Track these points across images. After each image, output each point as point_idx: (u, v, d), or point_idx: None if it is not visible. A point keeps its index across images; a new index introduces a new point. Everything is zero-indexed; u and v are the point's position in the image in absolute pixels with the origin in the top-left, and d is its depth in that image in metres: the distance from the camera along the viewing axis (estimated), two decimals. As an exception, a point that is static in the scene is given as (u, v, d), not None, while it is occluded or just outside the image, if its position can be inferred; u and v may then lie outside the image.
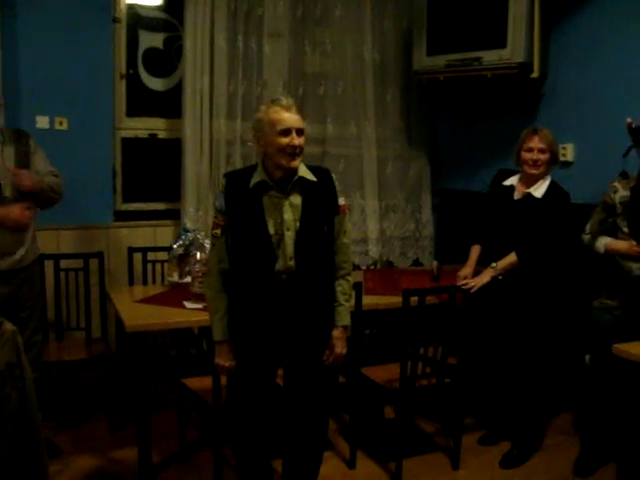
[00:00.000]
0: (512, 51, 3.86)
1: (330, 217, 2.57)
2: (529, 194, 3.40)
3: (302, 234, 2.50)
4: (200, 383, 3.15)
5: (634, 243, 3.11)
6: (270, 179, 2.49)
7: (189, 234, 3.69)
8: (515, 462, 3.45)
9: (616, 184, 3.28)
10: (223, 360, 2.61)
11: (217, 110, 4.30)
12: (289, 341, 2.58)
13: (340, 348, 2.66)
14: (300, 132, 2.46)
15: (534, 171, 3.38)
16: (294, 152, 2.43)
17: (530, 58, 3.91)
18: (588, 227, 3.35)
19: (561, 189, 3.38)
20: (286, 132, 2.41)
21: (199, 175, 4.28)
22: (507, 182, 3.54)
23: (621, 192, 3.24)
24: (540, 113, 4.14)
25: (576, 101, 3.94)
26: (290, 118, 2.43)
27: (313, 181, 2.54)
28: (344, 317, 2.67)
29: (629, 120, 3.27)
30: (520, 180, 3.49)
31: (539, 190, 3.38)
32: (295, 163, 2.46)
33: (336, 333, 2.66)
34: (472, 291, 3.35)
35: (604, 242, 3.25)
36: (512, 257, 3.37)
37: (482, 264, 3.53)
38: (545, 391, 3.51)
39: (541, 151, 3.37)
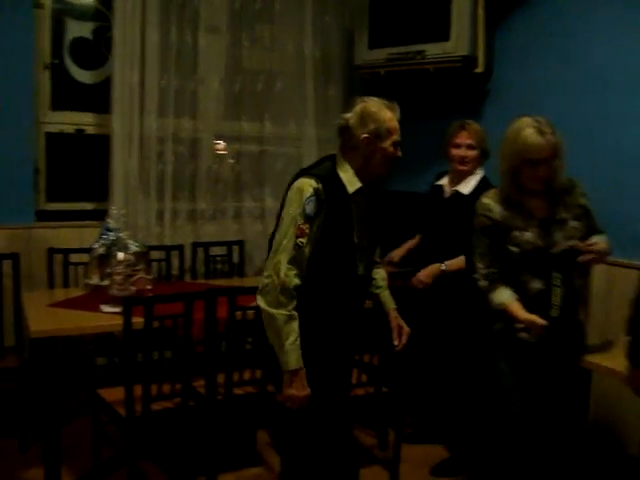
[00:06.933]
0: (456, 44, 3.73)
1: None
2: (457, 192, 3.26)
3: (371, 241, 2.42)
4: (119, 394, 2.89)
5: (539, 322, 2.40)
6: None
7: (111, 233, 3.44)
8: (451, 471, 3.31)
9: (487, 201, 2.63)
10: (298, 390, 2.23)
11: (148, 106, 4.07)
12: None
13: (407, 326, 2.58)
14: None
15: (463, 168, 3.28)
16: None
17: (474, 52, 3.78)
18: (480, 264, 2.61)
19: (492, 185, 3.16)
20: (397, 144, 2.32)
21: (128, 174, 4.04)
22: (439, 182, 3.42)
23: (497, 208, 2.58)
24: (485, 110, 4.00)
25: (522, 98, 3.80)
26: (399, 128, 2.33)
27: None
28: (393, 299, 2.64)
29: None
30: (450, 178, 3.36)
31: (467, 186, 3.26)
32: None
33: (396, 314, 2.59)
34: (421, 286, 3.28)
35: (502, 300, 2.53)
36: (461, 260, 3.20)
37: (420, 265, 3.41)
38: (473, 400, 3.31)
39: (470, 147, 3.27)
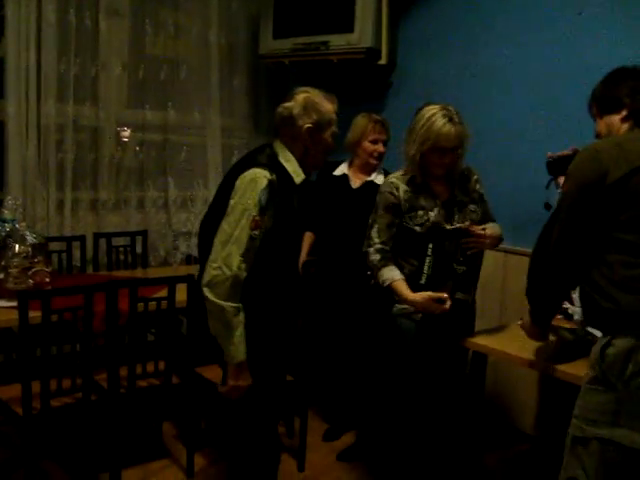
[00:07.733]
0: (360, 36, 3.78)
1: None
2: (371, 182, 3.33)
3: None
4: (16, 392, 2.78)
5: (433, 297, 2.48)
6: None
7: (6, 224, 3.29)
8: (357, 456, 3.37)
9: (394, 180, 2.69)
10: (245, 380, 2.24)
11: (46, 91, 3.90)
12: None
13: None
14: None
15: (377, 162, 3.35)
16: None
17: (378, 44, 3.85)
18: (377, 238, 2.67)
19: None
20: (334, 135, 2.36)
21: (25, 162, 3.87)
22: (337, 172, 3.46)
23: (403, 187, 2.66)
24: (388, 102, 4.08)
25: (424, 90, 3.89)
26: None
27: None
28: None
29: (549, 154, 2.65)
30: (352, 168, 3.42)
31: (380, 176, 3.33)
32: None
33: None
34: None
35: (391, 276, 2.60)
36: None
37: (317, 254, 3.46)
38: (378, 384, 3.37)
39: (384, 143, 3.34)
